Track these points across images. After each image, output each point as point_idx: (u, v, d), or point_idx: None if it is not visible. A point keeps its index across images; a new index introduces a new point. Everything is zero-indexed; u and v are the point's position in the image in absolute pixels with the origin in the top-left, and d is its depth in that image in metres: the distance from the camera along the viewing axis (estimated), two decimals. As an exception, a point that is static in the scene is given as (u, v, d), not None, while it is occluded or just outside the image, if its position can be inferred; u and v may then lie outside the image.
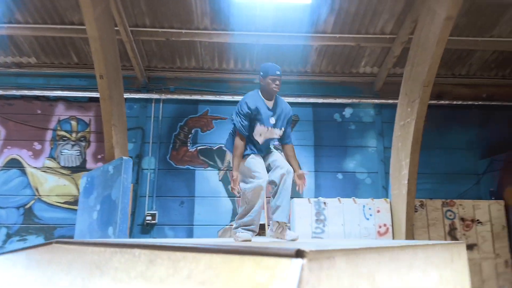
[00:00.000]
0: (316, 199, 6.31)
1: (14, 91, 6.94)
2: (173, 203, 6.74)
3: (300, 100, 7.18)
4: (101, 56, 4.84)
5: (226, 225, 6.70)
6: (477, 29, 6.41)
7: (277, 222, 3.24)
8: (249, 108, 3.15)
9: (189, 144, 7.03)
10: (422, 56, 5.22)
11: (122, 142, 5.69)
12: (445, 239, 6.16)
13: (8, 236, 6.49)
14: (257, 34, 6.41)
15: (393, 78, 7.10)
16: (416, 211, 6.27)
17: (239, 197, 3.28)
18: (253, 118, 3.22)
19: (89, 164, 6.85)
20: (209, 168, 6.93)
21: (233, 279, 1.54)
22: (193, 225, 6.68)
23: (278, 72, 3.21)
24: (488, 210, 6.31)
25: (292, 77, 7.29)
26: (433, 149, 7.17)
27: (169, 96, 7.08)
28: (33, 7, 5.94)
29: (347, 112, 7.35)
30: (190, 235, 6.61)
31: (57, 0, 5.80)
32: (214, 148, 7.03)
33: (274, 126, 3.28)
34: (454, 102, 7.36)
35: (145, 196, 6.70)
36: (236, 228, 3.24)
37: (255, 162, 3.24)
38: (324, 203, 6.27)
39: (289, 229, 3.42)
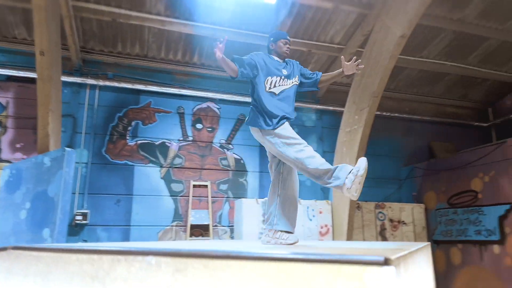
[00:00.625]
0: (264, 200, 6.31)
1: None
2: (108, 202, 6.11)
3: (247, 99, 7.11)
4: (45, 29, 4.15)
5: (167, 226, 6.31)
6: (411, 49, 7.10)
7: None
8: (252, 58, 2.93)
9: (128, 137, 6.45)
10: (374, 68, 5.58)
11: (57, 130, 4.97)
12: (377, 239, 6.70)
13: None
14: (213, 27, 6.16)
15: (335, 86, 7.48)
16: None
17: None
18: (259, 71, 2.94)
19: (5, 154, 5.83)
20: (150, 164, 6.45)
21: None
22: (130, 225, 6.14)
23: (288, 37, 3.15)
24: (411, 212, 7.03)
25: (240, 76, 7.18)
26: (364, 155, 7.74)
27: (107, 83, 6.40)
28: None
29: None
30: (126, 236, 6.06)
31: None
32: (157, 143, 6.57)
33: (288, 77, 3.01)
34: (383, 113, 8.05)
35: (75, 193, 5.95)
36: (275, 225, 2.85)
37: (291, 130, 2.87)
38: (271, 204, 6.30)
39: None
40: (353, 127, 6.05)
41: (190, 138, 6.78)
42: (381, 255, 1.39)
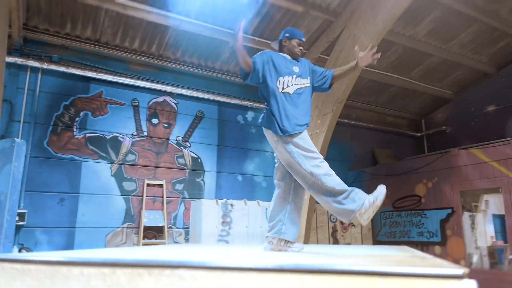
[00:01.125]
0: (223, 201, 6.13)
1: None
2: (50, 201, 5.42)
3: (207, 96, 6.87)
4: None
5: (117, 227, 5.80)
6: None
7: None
8: (261, 58, 2.80)
9: (75, 129, 5.79)
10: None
11: (-3, 117, 4.26)
12: (329, 241, 6.92)
13: None
14: (178, 18, 5.82)
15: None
16: (308, 215, 6.82)
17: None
18: (270, 70, 2.80)
19: None
20: (99, 160, 5.87)
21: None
22: (75, 227, 5.52)
23: (303, 39, 3.05)
24: (359, 214, 7.39)
25: (199, 71, 6.92)
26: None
27: (52, 67, 5.68)
28: None
29: (249, 115, 7.43)
30: (70, 240, 5.43)
31: None
32: (108, 136, 6.00)
33: (300, 75, 2.88)
34: (334, 119, 8.36)
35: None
36: (283, 233, 2.76)
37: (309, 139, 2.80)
38: (231, 205, 6.16)
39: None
40: (315, 131, 6.16)
41: (145, 134, 6.33)
42: (455, 268, 1.38)
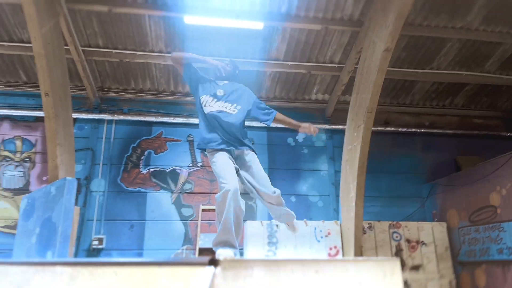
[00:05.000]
0: (268, 222, 6.34)
1: (-46, 108, 6.58)
2: (123, 227, 6.52)
3: (254, 124, 7.30)
4: (47, 74, 4.74)
5: (178, 249, 6.55)
6: (417, 62, 6.91)
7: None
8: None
9: (141, 166, 6.91)
10: (365, 84, 5.54)
11: (68, 162, 5.50)
12: (392, 260, 6.35)
13: None
14: (210, 58, 6.52)
15: (343, 105, 7.43)
16: (364, 233, 6.45)
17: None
18: (196, 82, 3.29)
19: (33, 186, 6.53)
20: (161, 191, 6.82)
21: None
22: (143, 249, 6.47)
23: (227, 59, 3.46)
24: (431, 231, 6.61)
25: (247, 102, 7.44)
26: (380, 173, 7.49)
27: (122, 117, 6.98)
28: (-21, 23, 5.77)
29: (300, 136, 7.51)
30: (139, 260, 6.37)
31: (5, 16, 5.66)
32: (168, 170, 6.95)
33: (224, 98, 3.20)
34: (399, 129, 7.78)
35: (93, 220, 6.44)
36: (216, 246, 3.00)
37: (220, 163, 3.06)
38: (277, 225, 6.31)
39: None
40: (353, 145, 5.96)
41: (199, 164, 7.08)
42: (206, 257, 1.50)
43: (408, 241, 6.53)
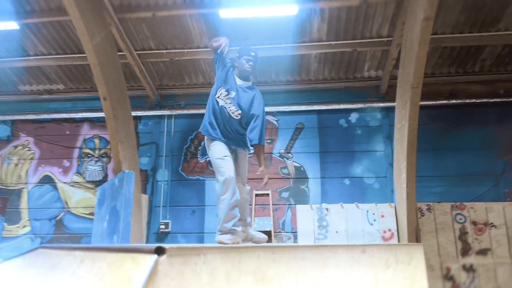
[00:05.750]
0: (318, 205, 6.37)
1: (46, 115, 7.78)
2: (185, 212, 7.13)
3: (303, 108, 7.31)
4: (102, 80, 5.37)
5: (235, 232, 6.94)
6: (480, 24, 6.17)
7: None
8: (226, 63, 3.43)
9: (199, 156, 7.41)
10: (409, 58, 5.17)
11: (131, 157, 6.18)
12: (455, 245, 5.92)
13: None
14: (253, 47, 6.65)
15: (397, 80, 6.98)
16: (422, 215, 6.10)
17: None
18: (225, 73, 3.40)
19: (110, 178, 7.46)
20: (217, 178, 7.24)
21: (113, 274, 1.82)
22: (203, 233, 7.01)
23: (253, 53, 3.40)
24: (502, 212, 5.97)
25: (295, 86, 7.45)
26: (444, 150, 6.94)
27: (179, 112, 7.54)
28: (53, 40, 6.70)
29: (353, 117, 7.34)
30: (201, 242, 6.94)
31: (71, 31, 6.49)
32: (222, 158, 7.33)
33: (234, 101, 3.32)
34: (467, 101, 7.07)
35: (160, 206, 7.16)
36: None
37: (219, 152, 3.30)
38: (326, 209, 6.32)
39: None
40: (402, 123, 5.63)
41: (252, 151, 7.32)
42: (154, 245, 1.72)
43: (474, 223, 5.99)
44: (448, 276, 5.70)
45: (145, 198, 7.13)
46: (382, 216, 6.16)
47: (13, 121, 7.97)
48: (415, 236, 5.72)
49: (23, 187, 7.65)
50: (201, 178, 7.29)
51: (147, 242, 6.97)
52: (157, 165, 7.41)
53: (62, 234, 7.28)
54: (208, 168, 7.32)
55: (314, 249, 2.31)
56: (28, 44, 6.81)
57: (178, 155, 7.45)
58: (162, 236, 7.03)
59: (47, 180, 7.65)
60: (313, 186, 7.07)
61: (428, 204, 6.16)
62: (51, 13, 6.09)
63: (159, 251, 1.63)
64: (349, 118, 7.34)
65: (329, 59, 6.98)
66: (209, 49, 6.59)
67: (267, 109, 7.19)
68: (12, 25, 6.15)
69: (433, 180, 6.79)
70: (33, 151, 7.84)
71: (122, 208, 5.26)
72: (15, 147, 7.89)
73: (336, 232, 6.15)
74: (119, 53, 6.20)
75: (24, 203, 7.55)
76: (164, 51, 6.82)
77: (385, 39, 6.47)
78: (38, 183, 7.64)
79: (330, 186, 7.04)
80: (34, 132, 7.91)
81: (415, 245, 3.17)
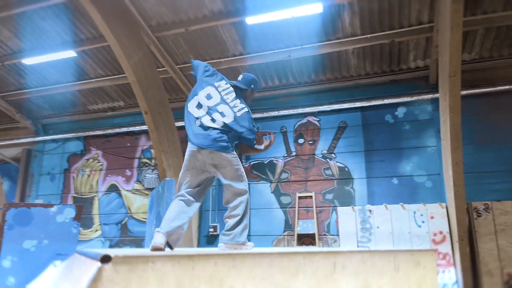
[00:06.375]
0: (360, 207, 6.11)
1: (110, 130, 8.66)
2: (232, 216, 7.34)
3: (346, 105, 7.06)
4: (142, 96, 5.84)
5: (280, 235, 6.98)
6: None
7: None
8: None
9: (243, 160, 7.59)
10: (444, 44, 4.74)
11: (176, 165, 6.59)
12: (521, 248, 5.21)
13: (110, 247, 8.06)
14: (287, 50, 6.67)
15: (447, 68, 6.38)
16: (479, 216, 5.48)
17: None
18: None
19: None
20: (261, 182, 7.36)
21: (67, 277, 2.03)
22: (250, 235, 7.15)
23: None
24: None
25: (336, 84, 7.24)
26: (510, 143, 6.15)
27: (224, 119, 7.80)
28: (107, 62, 7.45)
29: (400, 111, 6.88)
30: (247, 245, 7.09)
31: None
32: (265, 162, 7.43)
33: None
34: (536, 84, 6.18)
35: (209, 210, 7.50)
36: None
37: None
38: (370, 210, 6.03)
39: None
40: (445, 115, 5.15)
41: (294, 154, 7.31)
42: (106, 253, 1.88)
43: (544, 224, 5.22)
44: (510, 283, 5.04)
45: (195, 202, 7.51)
46: (432, 218, 5.69)
47: (85, 137, 9.01)
48: (468, 239, 5.18)
49: (95, 195, 8.60)
50: (246, 182, 7.45)
51: (198, 245, 7.35)
52: (205, 171, 7.75)
53: (126, 237, 8.02)
54: (252, 173, 7.46)
55: (283, 256, 2.27)
56: (89, 68, 7.67)
57: (224, 161, 7.71)
58: (211, 239, 7.35)
59: (114, 188, 8.50)
60: (359, 186, 6.78)
61: (486, 204, 5.53)
62: (102, 39, 6.78)
63: (104, 259, 1.78)
64: (396, 113, 6.90)
65: (368, 53, 6.66)
66: (244, 56, 6.77)
67: (308, 109, 7.12)
68: (70, 53, 6.98)
69: (496, 176, 6.06)
70: (101, 163, 8.77)
71: (164, 213, 5.64)
72: (87, 160, 8.91)
73: (381, 233, 5.84)
74: (161, 69, 6.67)
75: (95, 209, 8.49)
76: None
77: (426, 25, 5.97)
78: (106, 191, 8.53)
79: (377, 187, 6.68)
80: (102, 145, 8.85)
81: (401, 252, 2.91)
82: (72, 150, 9.09)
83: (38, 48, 7.16)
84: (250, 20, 5.99)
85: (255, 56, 6.88)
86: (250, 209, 6.92)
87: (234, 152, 3.38)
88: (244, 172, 3.22)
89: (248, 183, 3.48)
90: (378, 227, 5.86)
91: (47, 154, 9.31)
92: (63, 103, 8.81)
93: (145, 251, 2.97)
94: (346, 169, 6.93)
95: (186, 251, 2.57)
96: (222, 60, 7.05)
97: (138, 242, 7.88)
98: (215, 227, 7.30)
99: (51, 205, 7.60)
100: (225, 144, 3.10)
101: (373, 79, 7.06)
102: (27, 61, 7.34)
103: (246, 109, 3.14)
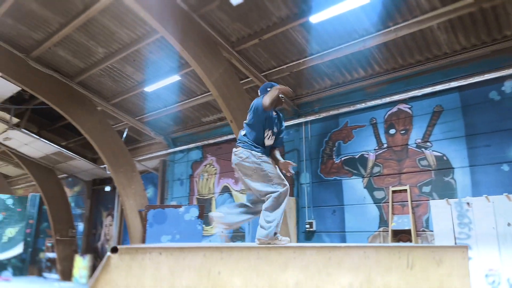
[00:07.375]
0: (456, 200, 5.48)
1: (219, 138, 9.75)
2: (327, 212, 7.43)
3: (440, 87, 6.38)
4: (226, 108, 6.55)
5: (375, 231, 6.73)
6: None
7: None
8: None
9: (334, 157, 7.58)
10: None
11: (265, 165, 7.07)
12: None
13: (226, 242, 9.08)
14: (362, 39, 6.44)
15: None
16: None
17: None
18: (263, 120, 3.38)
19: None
20: (353, 177, 7.22)
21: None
22: (345, 231, 7.11)
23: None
24: None
25: (428, 65, 6.59)
26: None
27: (314, 117, 7.95)
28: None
29: (508, 86, 5.84)
30: (343, 241, 7.07)
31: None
32: (356, 156, 7.26)
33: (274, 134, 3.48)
34: None
35: (305, 207, 7.74)
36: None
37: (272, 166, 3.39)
38: (468, 203, 5.36)
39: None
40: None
41: (385, 146, 6.93)
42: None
43: None
44: None
45: (292, 200, 7.88)
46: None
47: (202, 146, 10.35)
48: None
49: (212, 196, 9.81)
50: (338, 178, 7.43)
51: (297, 240, 7.67)
52: (300, 169, 8.03)
53: (239, 233, 8.91)
54: (343, 168, 7.39)
55: (271, 250, 2.45)
56: (194, 87, 8.85)
57: (316, 158, 7.86)
58: (308, 235, 7.57)
59: (226, 189, 9.54)
60: (460, 176, 6.02)
61: None
62: (197, 61, 7.79)
63: (114, 250, 2.37)
64: (502, 88, 5.88)
65: (458, 25, 5.88)
66: (320, 53, 6.84)
67: (397, 97, 6.76)
68: (175, 78, 8.23)
69: None
70: (215, 168, 9.94)
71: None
72: (205, 165, 10.21)
73: (481, 228, 5.11)
74: (244, 80, 7.26)
75: (213, 208, 9.67)
76: (284, 67, 7.46)
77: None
78: (220, 192, 9.63)
79: (482, 175, 5.82)
80: (215, 152, 10.03)
81: (410, 247, 2.62)
82: (194, 158, 10.56)
83: (154, 77, 8.66)
84: (314, 18, 6.05)
85: (332, 51, 6.85)
86: (344, 204, 6.94)
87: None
88: (271, 170, 3.31)
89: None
90: (477, 222, 5.14)
91: (177, 163, 11.04)
92: (183, 118, 10.33)
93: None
94: (445, 158, 6.23)
95: (179, 245, 3.00)
96: (301, 60, 7.23)
97: (242, 237, 8.66)
98: (311, 224, 7.49)
99: (180, 206, 9.04)
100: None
101: (472, 53, 6.17)
102: (148, 88, 8.95)
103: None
